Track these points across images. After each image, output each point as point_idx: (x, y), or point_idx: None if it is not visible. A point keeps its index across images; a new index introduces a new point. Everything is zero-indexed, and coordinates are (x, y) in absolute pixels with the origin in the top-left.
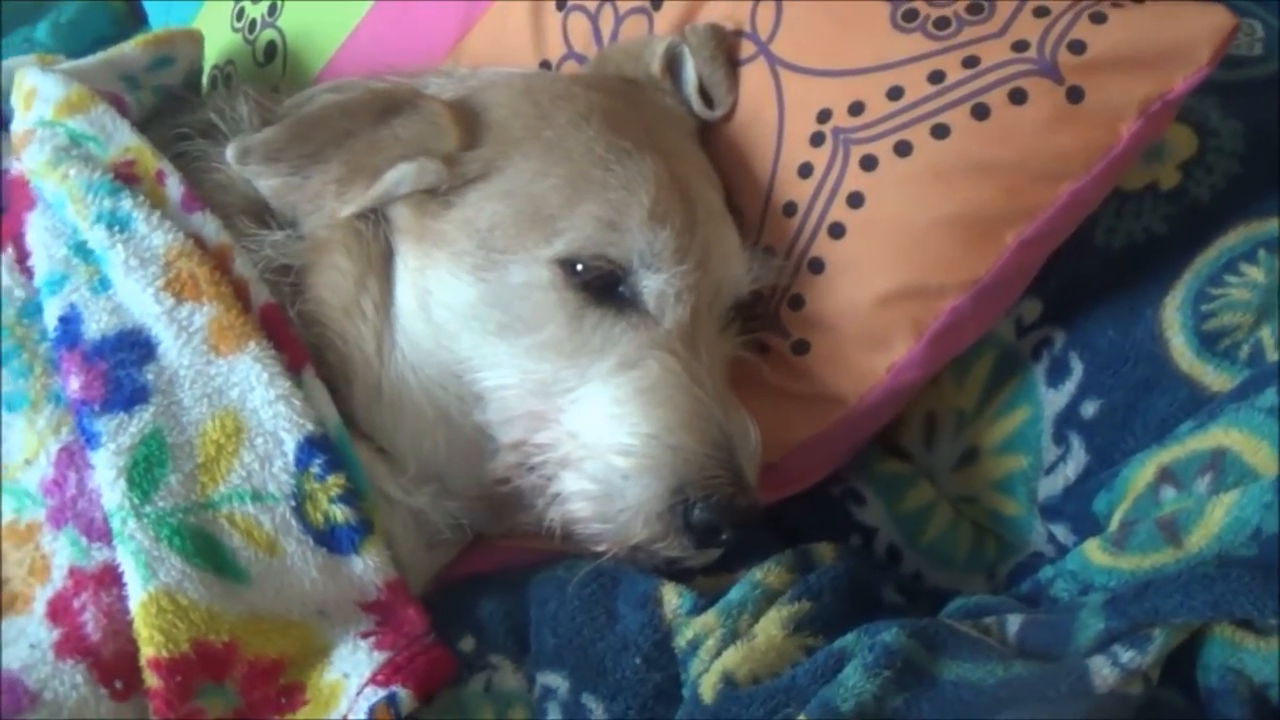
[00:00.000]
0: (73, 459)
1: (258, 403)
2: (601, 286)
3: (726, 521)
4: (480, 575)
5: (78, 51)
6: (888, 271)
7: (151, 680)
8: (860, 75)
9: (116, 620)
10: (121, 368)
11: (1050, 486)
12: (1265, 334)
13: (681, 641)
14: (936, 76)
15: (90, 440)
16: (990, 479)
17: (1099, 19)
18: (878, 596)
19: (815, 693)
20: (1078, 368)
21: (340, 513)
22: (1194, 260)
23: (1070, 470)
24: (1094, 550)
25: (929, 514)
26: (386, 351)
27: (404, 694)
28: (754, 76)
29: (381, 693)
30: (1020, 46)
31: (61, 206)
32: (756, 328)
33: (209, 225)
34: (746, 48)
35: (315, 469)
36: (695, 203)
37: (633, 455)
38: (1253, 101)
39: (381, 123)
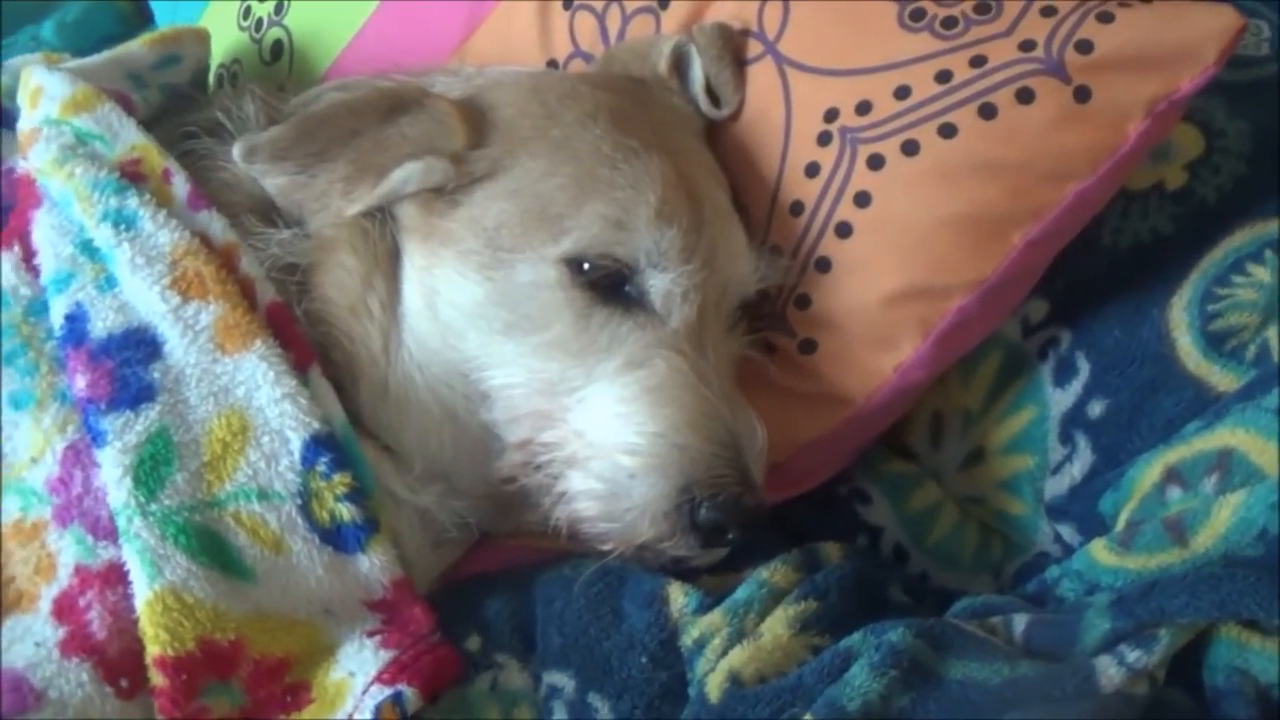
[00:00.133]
0: (79, 457)
1: (264, 401)
2: (608, 285)
3: (733, 521)
4: (486, 574)
5: (84, 50)
6: (894, 271)
7: (157, 679)
8: (867, 75)
9: (122, 618)
10: (127, 366)
11: (1056, 486)
12: (1271, 334)
13: (688, 640)
14: (944, 76)
15: (96, 438)
16: (996, 479)
17: (1106, 19)
18: (884, 596)
19: (821, 692)
20: (1084, 368)
21: (346, 511)
22: (1200, 260)
23: (1076, 470)
24: (1100, 550)
25: (935, 514)
26: (393, 350)
27: (410, 693)
28: (761, 76)
29: (387, 691)
30: (1027, 46)
31: (68, 205)
32: (763, 327)
33: (215, 223)
34: (754, 47)
35: (321, 467)
36: (702, 202)
37: (639, 454)
38: (1259, 102)
39: (388, 121)
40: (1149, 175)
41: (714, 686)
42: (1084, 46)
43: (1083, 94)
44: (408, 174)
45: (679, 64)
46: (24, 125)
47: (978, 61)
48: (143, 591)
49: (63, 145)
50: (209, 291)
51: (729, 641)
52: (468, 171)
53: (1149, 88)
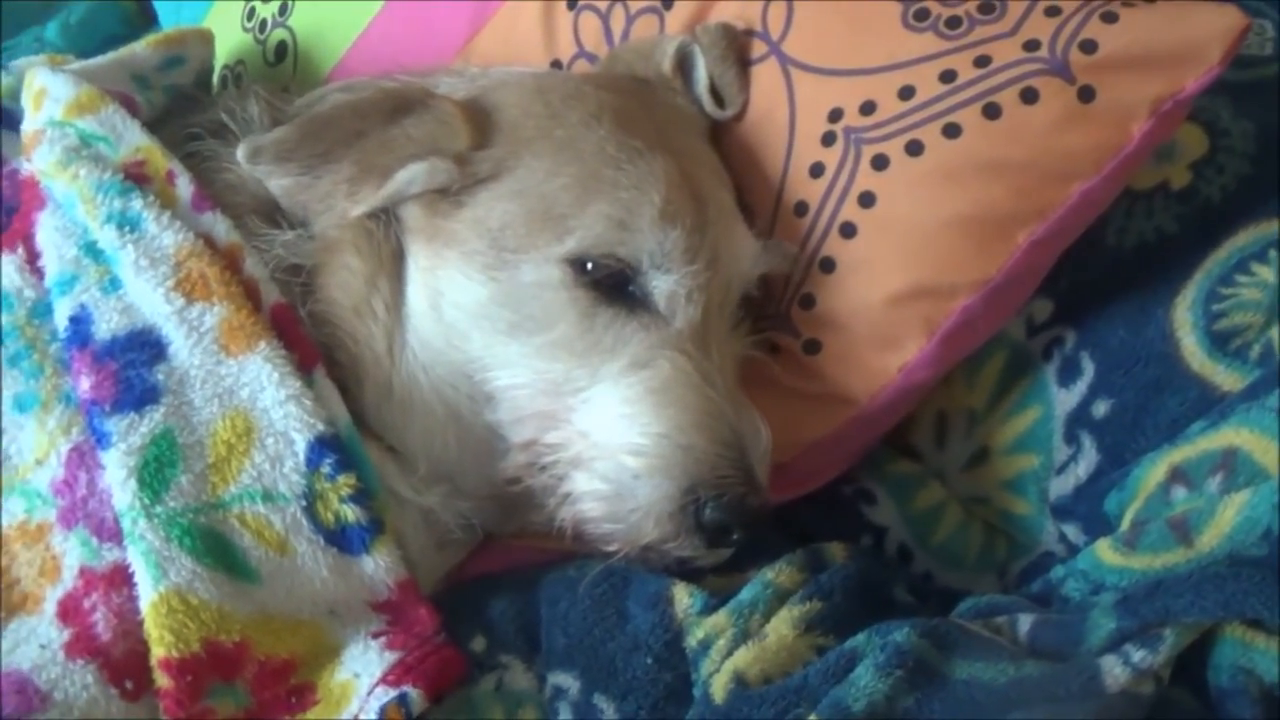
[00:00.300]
0: (83, 459)
1: (268, 402)
2: (612, 285)
3: (737, 521)
4: (491, 575)
5: (88, 51)
6: (899, 271)
7: (162, 680)
8: (872, 75)
9: (127, 620)
10: (132, 368)
11: (1061, 486)
12: (1276, 334)
13: (692, 641)
14: (948, 76)
15: (101, 440)
16: (1001, 478)
17: (1110, 18)
18: (889, 596)
19: (826, 692)
20: (1089, 367)
21: (351, 512)
22: (1205, 260)
23: (1081, 470)
24: (1105, 550)
25: (940, 514)
26: (397, 351)
27: (415, 694)
28: (765, 76)
29: (392, 692)
30: (1031, 46)
31: (72, 207)
32: (767, 327)
33: (219, 225)
34: (758, 47)
35: (326, 468)
36: (706, 202)
37: (644, 455)
38: (1264, 102)
39: (393, 122)
40: (1153, 175)
41: (719, 687)
42: (1088, 46)
43: (1087, 94)
44: (412, 175)
45: (683, 64)
46: (28, 127)
47: (982, 61)
48: (148, 593)
49: (67, 147)
50: (213, 293)
51: (734, 642)
52: (472, 172)
53: (1153, 87)
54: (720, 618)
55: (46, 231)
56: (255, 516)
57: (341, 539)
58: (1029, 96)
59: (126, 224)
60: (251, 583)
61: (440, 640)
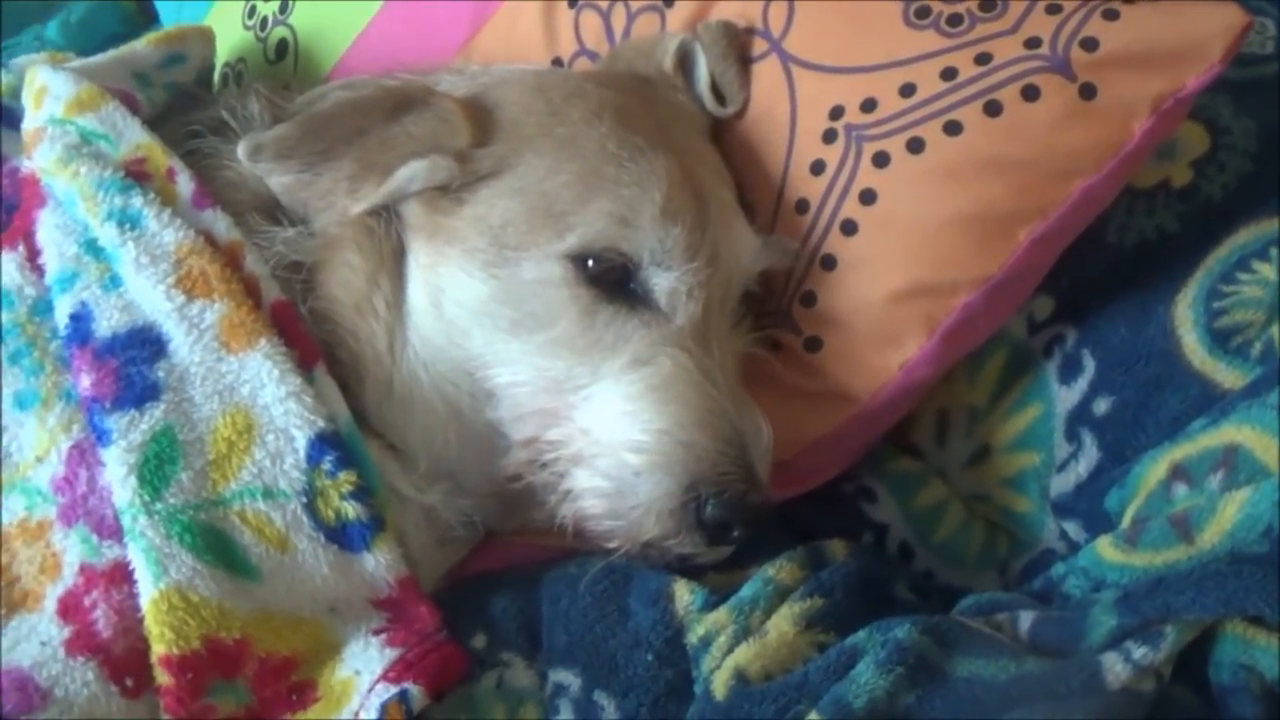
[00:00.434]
0: (84, 456)
1: (269, 400)
2: (613, 282)
3: (738, 518)
4: (492, 572)
5: (89, 49)
6: (900, 268)
7: (162, 678)
8: (873, 72)
9: (127, 618)
10: (132, 365)
11: (1062, 483)
12: (1277, 331)
13: (693, 638)
14: (949, 73)
15: (101, 437)
16: (1002, 476)
17: (1111, 16)
18: (889, 593)
19: (827, 689)
20: (1090, 365)
21: (351, 509)
22: (1206, 258)
23: (1082, 467)
24: (1106, 547)
25: (941, 512)
26: (398, 348)
27: (415, 691)
28: (766, 74)
29: (393, 690)
30: (1033, 43)
31: (72, 204)
32: (768, 324)
33: (220, 222)
34: (759, 45)
35: (326, 466)
36: (707, 200)
37: (645, 452)
38: (1265, 99)
39: (394, 120)
40: (1154, 173)
41: (720, 684)
42: (1089, 44)
43: (1088, 91)
44: (413, 172)
45: (684, 62)
46: (28, 125)
47: (983, 59)
48: (148, 590)
49: (67, 145)
50: (213, 290)
51: (734, 639)
52: (473, 170)
53: (1154, 85)
54: (721, 614)
55: (47, 229)
56: (256, 513)
57: (342, 536)
58: (1030, 94)
59: (127, 221)
60: (252, 580)
61: (441, 637)
